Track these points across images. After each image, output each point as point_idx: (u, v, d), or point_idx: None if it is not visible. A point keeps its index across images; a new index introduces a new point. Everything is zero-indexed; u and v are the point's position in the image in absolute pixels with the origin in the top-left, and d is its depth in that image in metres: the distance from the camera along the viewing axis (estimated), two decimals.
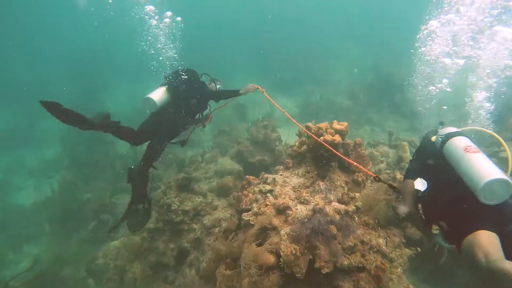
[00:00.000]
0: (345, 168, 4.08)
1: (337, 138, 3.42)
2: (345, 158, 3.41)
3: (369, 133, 12.19)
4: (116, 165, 11.44)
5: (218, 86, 5.01)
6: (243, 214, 3.64)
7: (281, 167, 4.17)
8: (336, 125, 3.61)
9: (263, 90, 4.77)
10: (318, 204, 3.20)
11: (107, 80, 22.77)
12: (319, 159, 3.72)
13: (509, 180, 2.26)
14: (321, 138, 3.45)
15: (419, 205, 3.05)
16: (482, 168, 2.38)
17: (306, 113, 14.18)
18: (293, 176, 3.95)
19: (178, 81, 4.44)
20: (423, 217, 2.99)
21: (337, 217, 3.25)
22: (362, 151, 3.95)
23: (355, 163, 3.21)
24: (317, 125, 3.68)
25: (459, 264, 4.39)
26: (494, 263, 2.00)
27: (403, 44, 19.58)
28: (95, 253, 6.59)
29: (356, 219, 3.48)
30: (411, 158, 3.41)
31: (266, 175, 4.03)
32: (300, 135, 4.36)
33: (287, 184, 3.82)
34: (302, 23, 26.99)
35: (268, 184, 3.88)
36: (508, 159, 2.70)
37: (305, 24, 26.79)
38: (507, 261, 1.99)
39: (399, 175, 4.34)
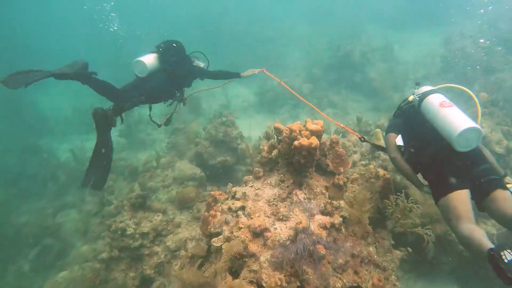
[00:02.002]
0: (323, 170, 3.74)
1: (314, 141, 3.04)
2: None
3: (333, 117, 12.11)
4: (58, 176, 10.33)
5: (202, 65, 5.17)
6: (213, 239, 3.18)
7: (250, 177, 3.74)
8: (311, 125, 3.22)
9: (264, 69, 5.64)
10: (300, 222, 2.83)
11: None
12: (294, 165, 3.33)
13: (480, 127, 2.68)
14: (296, 143, 3.05)
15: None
16: (456, 120, 2.76)
17: (264, 101, 13.86)
18: (265, 187, 3.53)
19: (170, 51, 4.61)
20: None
21: (324, 234, 2.90)
22: (340, 150, 3.63)
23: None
24: (289, 126, 3.27)
25: (445, 252, 4.36)
26: (458, 228, 2.51)
27: (356, 20, 19.92)
28: None
29: (343, 230, 3.17)
30: (390, 118, 3.84)
31: (234, 189, 3.58)
32: (268, 137, 3.93)
33: (260, 198, 3.40)
34: (250, 8, 26.37)
35: (238, 199, 3.44)
36: (478, 112, 3.14)
37: (255, 9, 26.20)
38: (467, 227, 2.47)
39: (381, 170, 4.09)
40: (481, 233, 2.36)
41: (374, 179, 3.86)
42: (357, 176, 3.93)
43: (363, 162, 5.41)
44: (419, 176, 3.26)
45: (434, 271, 4.51)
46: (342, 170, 3.65)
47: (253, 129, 11.32)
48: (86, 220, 7.33)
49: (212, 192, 3.61)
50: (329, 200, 3.23)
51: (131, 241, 4.70)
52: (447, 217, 2.70)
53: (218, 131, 6.97)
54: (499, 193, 2.69)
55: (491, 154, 3.10)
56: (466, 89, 3.30)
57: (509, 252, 1.96)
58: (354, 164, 5.38)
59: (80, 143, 13.09)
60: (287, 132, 3.23)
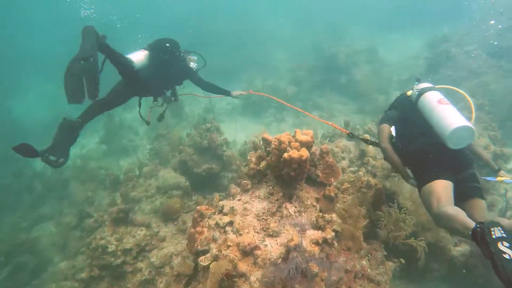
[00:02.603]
0: (313, 181, 3.66)
1: (304, 153, 2.95)
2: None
3: (318, 120, 12.12)
4: (34, 187, 9.93)
5: (194, 65, 5.15)
6: (200, 258, 3.05)
7: (238, 189, 3.62)
8: (301, 136, 3.13)
9: (251, 90, 5.74)
10: (292, 239, 2.73)
11: (15, 81, 20.21)
12: (284, 177, 3.24)
13: (473, 127, 2.77)
14: (286, 155, 2.95)
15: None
16: (451, 117, 2.86)
17: (249, 104, 13.74)
18: (254, 200, 3.42)
19: (161, 50, 4.55)
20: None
21: (316, 250, 2.81)
22: (331, 160, 3.56)
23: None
24: (278, 137, 3.17)
25: (436, 258, 4.36)
26: (442, 208, 2.49)
27: (340, 21, 20.09)
28: None
29: (336, 244, 3.09)
30: (386, 110, 3.93)
31: (221, 203, 3.46)
32: (255, 147, 3.81)
33: (248, 212, 3.28)
34: (235, 9, 26.28)
35: (226, 214, 3.32)
36: (472, 111, 3.25)
37: (239, 10, 26.13)
38: (451, 207, 2.49)
39: (372, 180, 4.04)
40: (464, 213, 2.37)
41: (366, 188, 3.81)
42: (348, 186, 3.88)
43: (352, 169, 5.38)
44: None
45: (425, 277, 4.50)
46: (332, 180, 3.58)
47: (238, 133, 11.23)
48: (64, 234, 7.02)
49: (198, 207, 3.47)
50: (321, 214, 3.15)
51: (113, 259, 4.50)
52: (428, 202, 2.73)
53: (203, 138, 6.81)
54: (477, 202, 2.83)
55: (484, 151, 3.27)
56: (463, 93, 3.41)
57: (499, 230, 1.94)
58: (343, 171, 5.34)
59: None
60: (275, 143, 3.13)
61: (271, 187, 3.44)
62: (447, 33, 12.81)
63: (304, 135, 3.15)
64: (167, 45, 4.65)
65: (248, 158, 3.80)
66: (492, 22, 11.19)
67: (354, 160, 5.57)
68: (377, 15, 21.63)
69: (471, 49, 11.03)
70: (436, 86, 3.49)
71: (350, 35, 18.58)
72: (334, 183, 3.70)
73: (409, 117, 3.44)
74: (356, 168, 5.34)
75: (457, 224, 2.30)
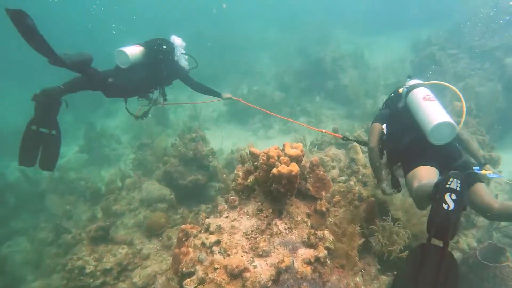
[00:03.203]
0: (303, 195, 3.55)
1: (294, 168, 2.83)
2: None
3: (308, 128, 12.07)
4: (7, 199, 9.45)
5: (185, 64, 5.27)
6: (185, 281, 2.88)
7: (225, 206, 3.47)
8: (290, 150, 3.01)
9: (240, 99, 6.02)
10: (283, 261, 2.60)
11: None
12: (273, 193, 3.11)
13: (454, 123, 2.82)
14: (275, 171, 2.83)
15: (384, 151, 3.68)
16: (434, 113, 2.92)
17: (235, 111, 13.61)
18: (242, 218, 3.28)
19: (157, 48, 4.63)
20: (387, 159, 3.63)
21: (309, 270, 2.69)
22: (321, 173, 3.45)
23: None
24: (266, 151, 3.05)
25: None
26: (418, 185, 2.52)
27: (324, 25, 20.20)
28: None
29: (329, 262, 2.97)
30: (381, 108, 4.06)
31: (208, 221, 3.30)
32: (243, 161, 3.68)
33: (236, 230, 3.14)
34: (218, 13, 26.18)
35: (212, 233, 3.16)
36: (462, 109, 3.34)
37: (220, 14, 26.02)
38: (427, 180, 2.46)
39: (364, 191, 3.95)
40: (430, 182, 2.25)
41: (358, 201, 3.71)
42: (339, 198, 3.78)
43: (342, 178, 5.30)
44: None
45: None
46: (323, 194, 3.47)
47: (224, 140, 11.09)
48: (39, 250, 6.66)
49: (183, 226, 3.31)
50: (312, 231, 3.03)
51: (91, 280, 4.26)
52: (410, 186, 2.79)
53: (188, 149, 6.63)
54: (479, 186, 2.86)
55: (474, 142, 3.32)
56: (454, 88, 3.49)
57: (457, 182, 1.79)
58: (333, 180, 5.27)
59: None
60: (264, 158, 3.00)
61: (259, 203, 3.30)
62: (430, 35, 12.97)
63: (293, 149, 3.04)
64: (164, 47, 4.73)
65: (235, 172, 3.66)
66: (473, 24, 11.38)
67: (344, 169, 5.50)
68: (359, 18, 21.86)
69: (454, 52, 11.18)
70: (426, 82, 3.58)
71: (335, 39, 18.69)
72: (326, 196, 3.59)
73: (399, 114, 3.55)
74: (347, 177, 5.26)
75: (427, 187, 2.22)
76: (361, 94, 11.95)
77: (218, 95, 5.53)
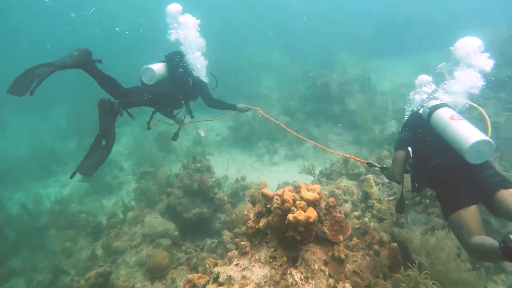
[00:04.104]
0: (319, 239, 3.32)
1: (312, 214, 2.63)
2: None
3: (312, 152, 11.89)
4: (7, 234, 9.22)
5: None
6: None
7: (235, 252, 3.24)
8: (307, 193, 2.81)
9: (259, 109, 5.97)
10: None
11: None
12: (288, 239, 2.89)
13: (491, 140, 2.79)
14: (291, 217, 2.63)
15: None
16: (467, 132, 2.88)
17: (239, 136, 13.46)
18: (254, 265, 3.04)
19: (178, 62, 4.78)
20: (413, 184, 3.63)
21: None
22: (339, 215, 3.23)
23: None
24: (281, 194, 2.86)
25: None
26: (473, 240, 2.56)
27: (329, 48, 20.34)
28: None
29: None
30: (400, 131, 4.12)
31: (217, 269, 3.07)
32: (253, 201, 3.48)
33: (248, 281, 2.90)
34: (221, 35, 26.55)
35: (222, 284, 2.92)
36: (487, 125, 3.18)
37: (225, 37, 26.38)
38: (479, 237, 2.56)
39: (384, 235, 3.72)
40: (492, 239, 2.45)
41: (378, 245, 3.48)
42: (357, 241, 3.55)
43: (356, 213, 5.06)
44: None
45: None
46: (341, 238, 3.24)
47: (229, 164, 10.88)
48: None
49: (189, 277, 3.09)
50: (332, 281, 2.79)
51: None
52: (459, 233, 2.78)
53: (193, 180, 6.43)
54: (504, 193, 2.72)
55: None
56: (477, 106, 3.45)
57: None
58: (346, 216, 5.03)
59: (37, 192, 12.04)
60: (278, 202, 2.81)
61: (272, 249, 3.08)
62: (439, 61, 12.91)
63: (310, 192, 2.85)
64: (183, 57, 4.89)
65: (245, 213, 3.45)
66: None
67: (358, 203, 5.26)
68: (364, 42, 22.01)
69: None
70: (447, 101, 3.60)
71: (341, 62, 18.75)
72: (344, 240, 3.36)
73: (423, 136, 3.50)
74: (360, 213, 5.02)
75: (485, 248, 2.40)
76: (369, 119, 11.80)
77: (233, 107, 5.63)
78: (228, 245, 5.25)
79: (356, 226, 4.45)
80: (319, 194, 2.87)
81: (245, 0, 35.03)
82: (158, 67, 4.56)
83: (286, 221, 2.72)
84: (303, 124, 13.21)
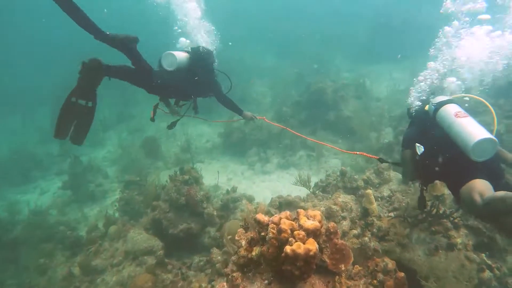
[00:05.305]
0: (319, 268, 3.04)
1: (312, 246, 2.36)
2: None
3: (306, 160, 11.67)
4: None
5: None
6: None
7: (225, 285, 2.94)
8: (306, 222, 2.53)
9: (264, 118, 6.19)
10: None
11: None
12: (284, 273, 2.61)
13: (495, 138, 2.85)
14: (289, 250, 2.35)
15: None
16: (472, 130, 2.95)
17: (230, 143, 13.19)
18: None
19: (200, 56, 4.92)
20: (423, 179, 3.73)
21: None
22: (340, 242, 2.96)
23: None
24: (277, 221, 2.57)
25: None
26: (488, 196, 2.55)
27: (323, 53, 20.23)
28: None
29: None
30: (405, 129, 4.22)
31: None
32: (245, 226, 3.19)
33: None
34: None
35: None
36: (494, 122, 3.41)
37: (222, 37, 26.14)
38: (491, 193, 2.58)
39: (389, 262, 3.46)
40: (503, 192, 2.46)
41: (382, 273, 3.22)
42: (359, 268, 3.28)
43: (355, 232, 4.80)
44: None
45: None
46: (343, 268, 2.97)
47: (221, 174, 10.59)
48: None
49: None
50: None
51: None
52: (470, 199, 2.74)
53: (180, 194, 6.11)
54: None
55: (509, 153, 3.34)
56: (483, 100, 3.60)
57: None
58: (345, 234, 4.78)
59: (14, 199, 11.58)
60: (273, 231, 2.53)
61: (267, 282, 2.78)
62: (435, 67, 12.83)
63: (310, 220, 2.57)
64: (206, 53, 5.04)
65: (237, 238, 3.16)
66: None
67: (356, 220, 5.01)
68: (358, 46, 21.95)
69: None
70: (453, 97, 3.73)
71: (335, 67, 18.63)
72: (346, 270, 3.09)
73: (429, 133, 3.60)
74: (360, 231, 4.77)
75: (498, 199, 2.41)
76: (365, 127, 11.62)
77: (240, 112, 5.81)
78: (217, 265, 4.97)
79: (356, 246, 4.23)
80: (320, 222, 2.59)
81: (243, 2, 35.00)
82: (181, 55, 4.66)
83: (283, 254, 2.44)
84: (297, 131, 12.97)
